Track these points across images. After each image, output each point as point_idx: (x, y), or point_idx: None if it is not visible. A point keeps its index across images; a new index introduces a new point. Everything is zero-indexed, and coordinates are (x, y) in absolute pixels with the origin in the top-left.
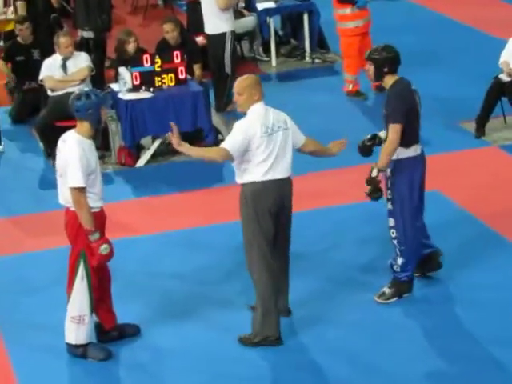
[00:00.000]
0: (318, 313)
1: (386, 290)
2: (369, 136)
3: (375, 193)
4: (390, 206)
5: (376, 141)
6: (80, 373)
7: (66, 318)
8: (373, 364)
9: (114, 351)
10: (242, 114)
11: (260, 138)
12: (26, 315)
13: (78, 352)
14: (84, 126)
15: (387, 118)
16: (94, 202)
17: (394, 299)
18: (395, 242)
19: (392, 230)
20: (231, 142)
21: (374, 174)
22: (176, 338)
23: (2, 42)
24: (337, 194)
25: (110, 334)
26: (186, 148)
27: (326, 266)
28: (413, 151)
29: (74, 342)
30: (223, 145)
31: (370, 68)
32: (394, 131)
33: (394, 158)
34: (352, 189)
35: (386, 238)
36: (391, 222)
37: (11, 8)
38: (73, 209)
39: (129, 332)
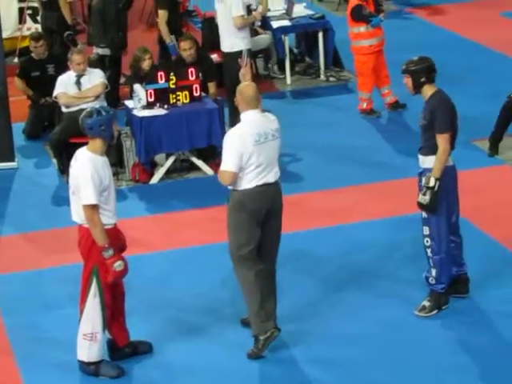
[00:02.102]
0: (325, 326)
1: (426, 303)
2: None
3: (435, 202)
4: (424, 214)
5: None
6: None
7: (78, 334)
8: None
9: (126, 369)
10: None
11: (252, 147)
12: (38, 331)
13: (90, 370)
14: (96, 143)
15: (428, 126)
16: (108, 218)
17: (435, 312)
18: (429, 251)
19: (426, 239)
20: (229, 162)
21: (432, 183)
22: (188, 355)
23: (16, 58)
24: (348, 210)
25: (123, 351)
26: None
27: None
28: (450, 161)
29: (86, 360)
30: (223, 168)
31: (408, 80)
32: (445, 141)
33: (428, 166)
34: (364, 206)
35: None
36: (426, 230)
37: (26, 25)
38: (86, 226)
39: (141, 349)
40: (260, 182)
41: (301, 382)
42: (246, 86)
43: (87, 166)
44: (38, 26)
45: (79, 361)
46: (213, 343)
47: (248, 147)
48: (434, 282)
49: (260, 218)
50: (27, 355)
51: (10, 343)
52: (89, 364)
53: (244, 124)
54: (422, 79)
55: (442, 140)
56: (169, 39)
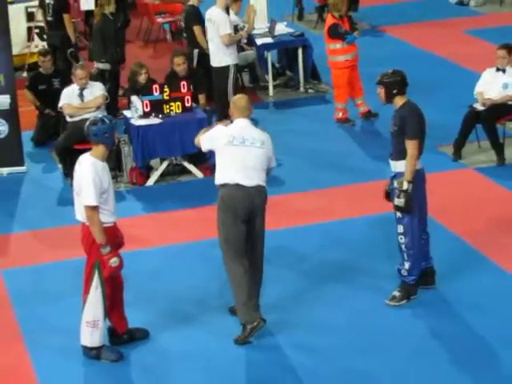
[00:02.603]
0: (309, 315)
1: (396, 293)
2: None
3: (410, 203)
4: (399, 214)
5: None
6: (93, 373)
7: (81, 322)
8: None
9: (125, 353)
10: None
11: (224, 146)
12: (45, 320)
13: (92, 354)
14: (99, 148)
15: (398, 133)
16: (107, 217)
17: (404, 302)
18: (403, 246)
19: (400, 236)
20: (203, 137)
21: (405, 186)
22: (181, 341)
23: (25, 73)
24: (326, 210)
25: (122, 337)
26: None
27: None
28: (419, 165)
29: (88, 345)
30: (200, 135)
31: (381, 91)
32: (414, 146)
33: (402, 170)
34: (340, 206)
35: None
36: (400, 228)
37: (34, 42)
38: (88, 224)
39: (139, 336)
40: (234, 182)
41: (284, 366)
42: (240, 98)
43: (89, 170)
44: (45, 44)
45: (82, 346)
46: (203, 331)
47: (219, 142)
48: (405, 273)
49: (243, 216)
50: (36, 342)
51: (21, 331)
52: (91, 349)
53: (229, 126)
54: (395, 91)
55: (411, 145)
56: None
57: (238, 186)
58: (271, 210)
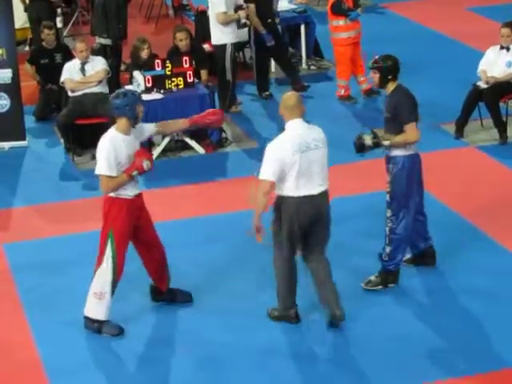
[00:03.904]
0: None
1: (373, 278)
2: (370, 135)
3: (363, 150)
4: (388, 198)
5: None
6: (96, 346)
7: (88, 292)
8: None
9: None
10: (245, 116)
11: (292, 156)
12: (46, 294)
13: (94, 327)
14: (122, 122)
15: (391, 119)
16: (124, 190)
17: (380, 287)
18: (387, 230)
19: (388, 220)
20: (267, 170)
21: (383, 142)
22: (184, 319)
23: (27, 47)
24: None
25: (163, 296)
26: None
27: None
28: (412, 150)
29: (92, 317)
30: (261, 176)
31: (376, 76)
32: (413, 128)
33: (395, 154)
34: (349, 182)
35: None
36: (388, 212)
37: None
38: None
39: (180, 298)
40: (301, 193)
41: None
42: (289, 96)
43: (106, 143)
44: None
45: (85, 317)
46: (206, 308)
47: (288, 153)
48: (386, 258)
49: (304, 224)
50: (37, 316)
51: (22, 306)
52: (94, 321)
53: (286, 134)
54: (389, 76)
55: (410, 128)
56: (261, 28)
57: (304, 197)
58: None
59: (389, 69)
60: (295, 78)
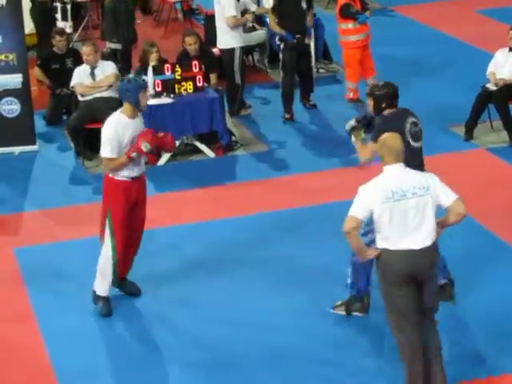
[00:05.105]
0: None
1: (339, 302)
2: (355, 120)
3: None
4: None
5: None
6: (107, 349)
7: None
8: None
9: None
10: (255, 119)
11: (381, 205)
12: (56, 297)
13: (95, 299)
14: (125, 106)
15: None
16: (121, 171)
17: (341, 312)
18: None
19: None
20: (355, 208)
21: (352, 139)
22: (192, 319)
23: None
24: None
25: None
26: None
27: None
28: None
29: (97, 292)
30: (349, 212)
31: (370, 103)
32: (369, 147)
33: None
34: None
35: None
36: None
37: None
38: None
39: (129, 290)
40: (395, 247)
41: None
42: (393, 138)
43: (109, 126)
44: (62, 23)
45: (93, 290)
46: (214, 310)
47: (377, 200)
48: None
49: (397, 286)
50: (48, 320)
51: (32, 308)
52: (98, 297)
53: (382, 178)
54: (383, 105)
55: (368, 145)
56: (279, 30)
57: (400, 251)
58: (284, 188)
59: (382, 97)
60: (307, 95)
